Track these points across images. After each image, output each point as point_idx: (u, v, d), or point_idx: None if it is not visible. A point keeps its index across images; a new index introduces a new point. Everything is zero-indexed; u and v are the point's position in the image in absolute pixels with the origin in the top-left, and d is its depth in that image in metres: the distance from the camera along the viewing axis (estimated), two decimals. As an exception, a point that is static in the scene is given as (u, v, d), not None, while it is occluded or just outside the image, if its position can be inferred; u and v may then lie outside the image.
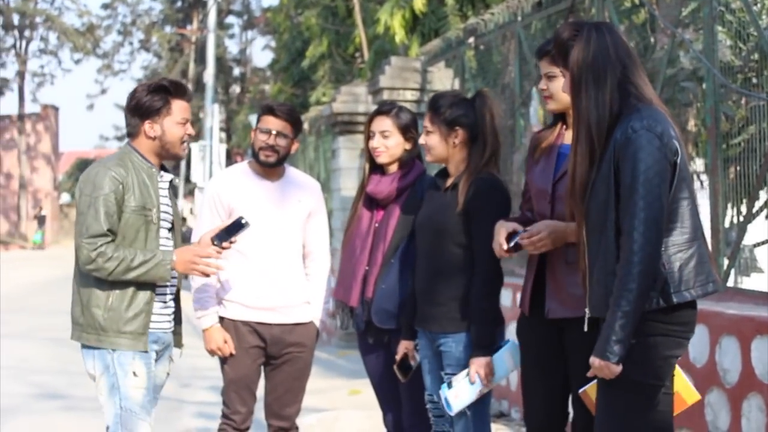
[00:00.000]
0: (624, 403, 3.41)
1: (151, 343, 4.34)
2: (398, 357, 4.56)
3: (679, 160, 3.35)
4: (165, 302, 4.41)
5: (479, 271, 4.24)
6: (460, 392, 4.23)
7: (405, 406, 4.74)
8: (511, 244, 3.97)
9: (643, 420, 3.43)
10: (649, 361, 3.36)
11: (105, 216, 4.20)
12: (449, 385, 4.25)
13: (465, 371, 4.22)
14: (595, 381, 3.57)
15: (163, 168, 4.47)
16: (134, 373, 4.27)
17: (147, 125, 4.35)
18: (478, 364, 4.19)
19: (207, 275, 4.46)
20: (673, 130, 3.38)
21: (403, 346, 4.57)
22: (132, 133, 4.41)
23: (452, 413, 4.25)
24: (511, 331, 4.41)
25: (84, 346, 4.35)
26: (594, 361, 3.36)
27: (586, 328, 3.54)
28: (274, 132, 4.88)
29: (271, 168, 4.96)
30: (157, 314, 4.36)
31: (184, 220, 31.31)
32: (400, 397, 4.76)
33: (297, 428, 5.13)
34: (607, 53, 3.44)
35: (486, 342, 4.21)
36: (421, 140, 4.48)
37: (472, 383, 4.21)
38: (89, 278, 4.25)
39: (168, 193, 4.46)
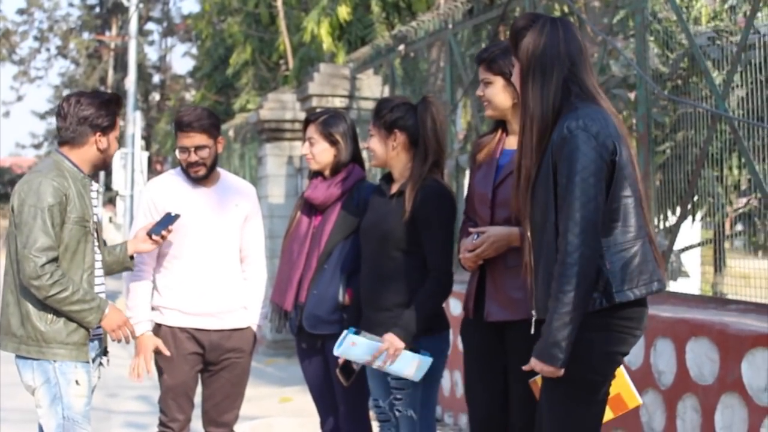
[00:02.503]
0: (564, 396, 3.42)
1: (90, 351, 4.37)
2: (341, 361, 4.55)
3: (618, 159, 3.35)
4: None
5: (432, 275, 4.24)
6: (359, 345, 4.22)
7: (342, 411, 4.73)
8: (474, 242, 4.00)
9: (584, 413, 3.44)
10: (587, 356, 3.36)
11: (52, 228, 4.20)
12: (356, 333, 4.23)
13: (377, 339, 4.20)
14: None
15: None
16: (76, 382, 4.29)
17: (98, 137, 4.40)
18: (391, 342, 4.17)
19: (125, 341, 4.50)
20: (612, 129, 3.37)
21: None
22: (72, 141, 4.39)
23: (335, 352, 4.24)
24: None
25: (20, 357, 4.31)
26: (534, 363, 3.37)
27: (532, 331, 3.54)
28: (191, 148, 4.83)
29: (198, 181, 4.93)
30: None
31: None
32: (336, 402, 4.76)
33: (235, 435, 5.10)
34: (557, 48, 3.44)
35: (410, 329, 4.18)
36: (365, 145, 4.49)
37: (370, 352, 4.19)
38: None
39: (97, 202, 4.49)
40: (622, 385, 3.62)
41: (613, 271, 3.35)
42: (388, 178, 4.51)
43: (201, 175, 4.88)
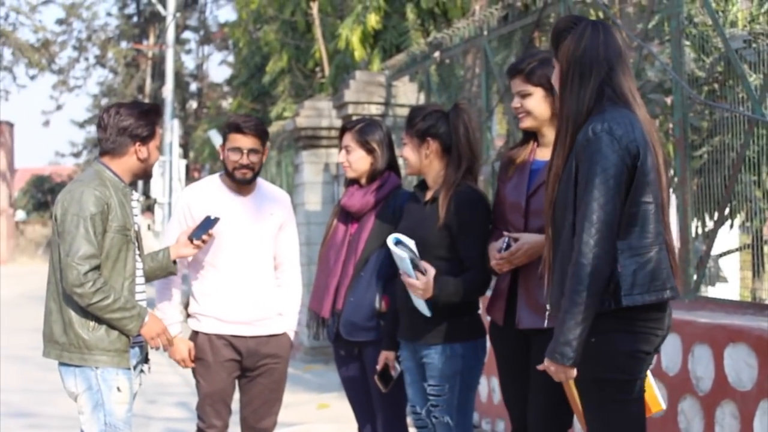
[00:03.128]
0: (599, 399, 3.43)
1: (132, 358, 4.44)
2: (379, 367, 4.57)
3: (640, 164, 3.35)
4: None
5: (468, 276, 4.24)
6: (404, 258, 4.21)
7: (380, 417, 4.75)
8: (503, 247, 4.01)
9: (621, 413, 3.43)
10: (612, 356, 3.36)
11: (94, 237, 4.26)
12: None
13: (416, 267, 4.19)
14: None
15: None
16: (118, 389, 4.35)
17: (137, 147, 4.47)
18: (426, 282, 4.16)
19: (163, 349, 4.58)
20: (638, 133, 3.37)
21: (384, 357, 4.59)
22: (112, 151, 4.47)
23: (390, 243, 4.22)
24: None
25: (62, 364, 4.38)
26: (549, 364, 3.37)
27: (545, 325, 3.59)
28: (245, 150, 4.88)
29: (242, 184, 4.97)
30: None
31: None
32: (374, 409, 4.78)
33: (273, 442, 5.13)
34: (596, 51, 3.45)
35: (446, 289, 4.18)
36: (399, 153, 4.51)
37: (409, 271, 4.19)
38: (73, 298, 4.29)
39: (138, 211, 4.56)
40: (647, 388, 3.61)
41: (624, 274, 3.35)
42: (422, 185, 4.53)
43: (248, 178, 4.91)
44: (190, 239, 4.74)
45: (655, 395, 3.71)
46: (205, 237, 4.75)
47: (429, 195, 4.43)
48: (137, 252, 4.50)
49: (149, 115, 4.50)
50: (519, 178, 4.13)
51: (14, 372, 11.96)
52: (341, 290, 4.77)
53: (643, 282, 3.36)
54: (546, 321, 3.65)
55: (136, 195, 4.58)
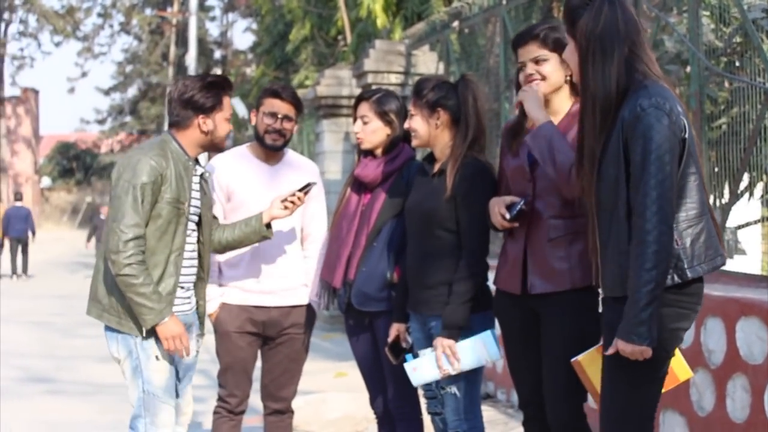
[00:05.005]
0: (629, 375, 3.43)
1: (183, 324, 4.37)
2: (390, 339, 4.59)
3: (687, 136, 3.36)
4: (184, 287, 4.45)
5: (465, 254, 4.27)
6: (420, 366, 4.30)
7: (391, 388, 4.77)
8: (513, 212, 4.00)
9: (647, 390, 3.47)
10: (657, 332, 3.36)
11: (142, 206, 4.22)
12: (414, 356, 4.29)
13: (428, 350, 4.27)
14: (590, 350, 3.61)
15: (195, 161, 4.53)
16: (156, 357, 4.32)
17: (201, 120, 4.42)
18: (440, 343, 4.24)
19: (178, 354, 4.36)
20: (680, 106, 3.39)
21: (395, 329, 4.61)
22: (179, 124, 4.44)
23: (414, 384, 4.33)
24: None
25: (107, 329, 4.38)
26: (625, 346, 3.34)
27: (600, 309, 3.60)
28: (280, 116, 4.88)
29: (274, 152, 4.97)
30: (179, 298, 4.40)
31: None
32: (385, 379, 4.80)
33: (292, 411, 5.15)
34: (617, 27, 3.43)
35: (453, 323, 4.22)
36: (407, 124, 4.51)
37: (434, 364, 4.26)
38: None
39: (199, 186, 4.50)
40: (675, 359, 3.62)
41: (683, 247, 3.37)
42: (430, 158, 4.53)
43: (279, 145, 4.92)
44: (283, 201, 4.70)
45: (683, 363, 3.73)
46: (299, 195, 4.70)
47: (437, 167, 4.43)
48: (192, 228, 4.45)
49: (213, 87, 4.44)
50: (522, 150, 4.11)
51: (35, 338, 12.08)
52: (353, 260, 4.77)
53: (700, 253, 3.39)
54: (599, 305, 3.63)
55: (201, 170, 4.52)
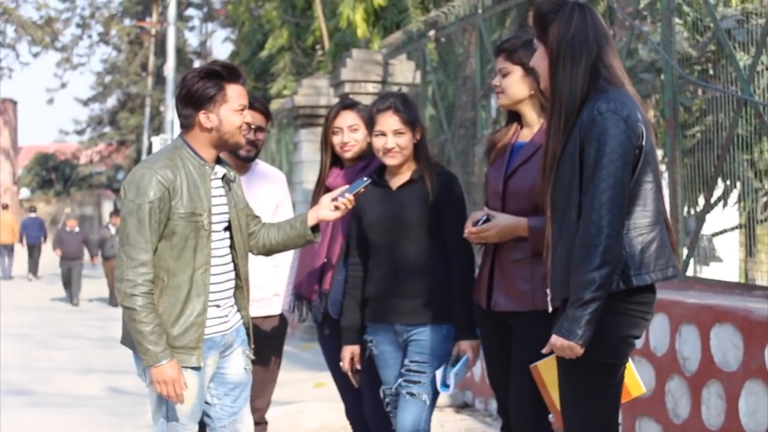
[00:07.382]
0: (583, 381, 3.47)
1: (207, 350, 4.05)
2: (346, 364, 4.57)
3: (644, 144, 3.38)
4: (219, 306, 4.10)
5: (460, 260, 4.32)
6: (451, 377, 4.31)
7: (366, 398, 4.76)
8: (479, 225, 4.04)
9: (602, 397, 3.49)
10: (605, 340, 3.39)
11: (149, 227, 3.86)
12: (453, 365, 4.31)
13: (464, 357, 4.29)
14: (548, 358, 3.62)
15: (218, 160, 4.12)
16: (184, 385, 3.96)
17: (202, 116, 3.96)
18: (471, 346, 4.29)
19: (171, 400, 3.99)
20: (640, 114, 3.41)
21: (349, 352, 4.59)
22: (185, 126, 4.02)
23: (449, 392, 4.34)
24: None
25: (135, 352, 4.04)
26: (556, 340, 3.38)
27: (549, 309, 3.63)
28: (254, 126, 4.85)
29: (245, 162, 4.95)
30: (212, 318, 4.06)
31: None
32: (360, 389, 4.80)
33: (266, 422, 5.13)
34: (586, 33, 3.47)
35: (473, 324, 4.28)
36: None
37: (464, 366, 4.31)
38: None
39: (223, 190, 4.11)
40: (628, 374, 3.64)
41: (632, 254, 3.38)
42: (380, 172, 4.51)
43: (251, 156, 4.90)
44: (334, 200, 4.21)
45: (636, 379, 3.74)
46: (349, 197, 4.19)
47: (398, 180, 4.43)
48: (212, 237, 4.01)
49: (210, 77, 3.95)
50: (500, 162, 4.16)
51: (14, 350, 12.00)
52: (328, 271, 4.77)
53: (649, 261, 3.40)
54: (549, 305, 3.67)
55: (221, 171, 4.07)
